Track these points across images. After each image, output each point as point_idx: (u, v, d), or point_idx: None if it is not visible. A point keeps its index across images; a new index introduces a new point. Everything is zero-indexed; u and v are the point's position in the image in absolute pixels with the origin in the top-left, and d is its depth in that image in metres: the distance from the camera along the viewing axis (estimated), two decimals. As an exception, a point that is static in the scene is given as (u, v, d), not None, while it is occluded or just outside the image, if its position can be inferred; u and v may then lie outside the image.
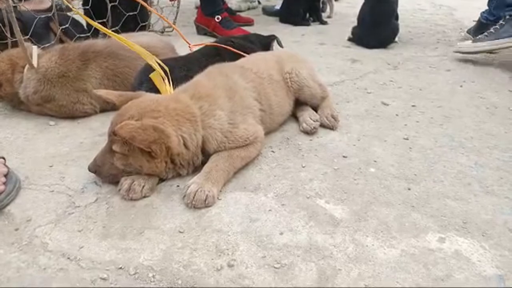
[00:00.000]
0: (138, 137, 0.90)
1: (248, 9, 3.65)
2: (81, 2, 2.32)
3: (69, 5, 1.64)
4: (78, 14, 1.52)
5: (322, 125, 1.43)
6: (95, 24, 1.41)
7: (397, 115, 1.56)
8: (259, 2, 3.88)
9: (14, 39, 1.58)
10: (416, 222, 0.97)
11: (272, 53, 1.60)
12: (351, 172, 1.18)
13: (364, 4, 2.49)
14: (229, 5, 3.14)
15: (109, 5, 1.99)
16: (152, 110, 0.98)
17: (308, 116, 1.41)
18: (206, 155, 1.12)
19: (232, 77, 1.24)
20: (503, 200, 1.06)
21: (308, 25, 3.12)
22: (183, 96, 1.08)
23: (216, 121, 1.09)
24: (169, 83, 1.25)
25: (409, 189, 1.10)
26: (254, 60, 1.44)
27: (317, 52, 2.40)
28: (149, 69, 1.26)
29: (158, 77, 1.21)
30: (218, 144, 1.10)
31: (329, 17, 3.37)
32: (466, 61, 2.23)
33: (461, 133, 1.42)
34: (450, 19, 3.39)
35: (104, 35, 2.14)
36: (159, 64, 1.27)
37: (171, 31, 2.69)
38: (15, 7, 2.62)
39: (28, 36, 1.71)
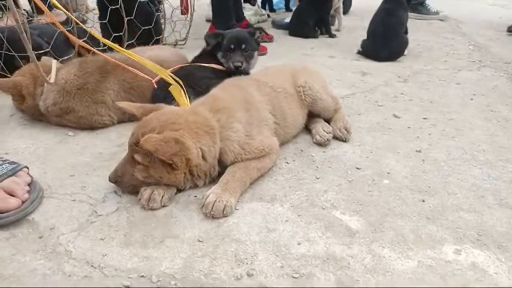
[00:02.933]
0: (161, 150, 0.93)
1: (258, 22, 3.71)
2: (97, 15, 2.39)
3: (83, 26, 1.69)
4: (90, 32, 1.57)
5: (335, 137, 1.45)
6: (105, 41, 1.46)
7: (409, 127, 1.58)
8: (268, 16, 3.95)
9: (36, 53, 1.63)
10: (432, 234, 0.98)
11: (287, 65, 1.63)
12: (365, 184, 1.19)
13: (374, 18, 2.53)
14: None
15: (125, 19, 2.04)
16: (172, 122, 1.01)
17: (321, 128, 1.43)
18: (223, 166, 1.15)
19: (248, 90, 1.27)
20: (518, 213, 1.07)
21: (317, 37, 3.16)
22: (201, 109, 1.11)
23: (233, 134, 1.11)
24: (186, 95, 1.29)
25: (423, 201, 1.11)
26: (270, 73, 1.48)
27: (327, 65, 2.43)
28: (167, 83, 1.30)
29: (177, 90, 1.24)
30: (235, 155, 1.12)
31: (337, 30, 3.41)
32: (476, 74, 2.25)
33: (474, 146, 1.43)
34: (458, 33, 3.42)
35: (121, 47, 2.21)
36: (173, 78, 1.32)
37: (184, 43, 2.75)
38: (30, 20, 2.70)
39: (48, 49, 1.77)
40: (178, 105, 1.26)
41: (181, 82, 1.31)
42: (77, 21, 1.58)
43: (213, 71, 1.57)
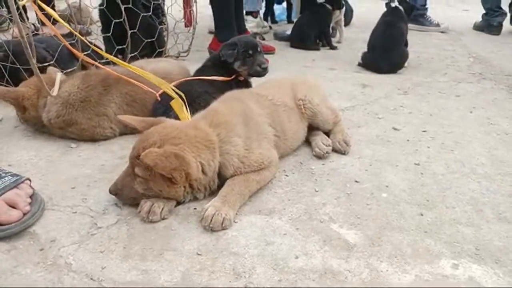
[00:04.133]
0: (161, 164, 0.95)
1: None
2: (100, 28, 2.42)
3: (83, 39, 1.72)
4: (92, 47, 1.60)
5: (334, 150, 1.46)
6: (107, 55, 1.49)
7: (408, 140, 1.59)
8: (270, 27, 3.99)
9: (40, 65, 1.67)
10: (430, 248, 0.98)
11: (287, 78, 1.65)
12: (363, 197, 1.20)
13: (374, 31, 2.56)
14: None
15: (129, 32, 2.08)
16: (173, 137, 1.03)
17: (320, 141, 1.45)
18: (222, 179, 1.16)
19: (248, 103, 1.29)
20: (516, 227, 1.07)
21: (318, 49, 3.20)
22: (202, 123, 1.12)
23: (233, 148, 1.13)
24: (187, 109, 1.31)
25: (421, 214, 1.12)
26: (270, 86, 1.50)
27: (328, 77, 2.45)
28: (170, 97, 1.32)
29: (178, 104, 1.26)
30: (234, 169, 1.14)
31: (338, 42, 3.45)
32: (476, 87, 2.26)
33: (472, 159, 1.43)
34: (459, 44, 3.44)
35: (124, 60, 2.24)
36: (175, 91, 1.34)
37: (186, 55, 2.78)
38: (36, 34, 2.75)
39: (52, 61, 1.80)
40: (178, 118, 1.28)
41: (183, 96, 1.33)
42: (77, 34, 1.60)
43: (214, 85, 1.59)
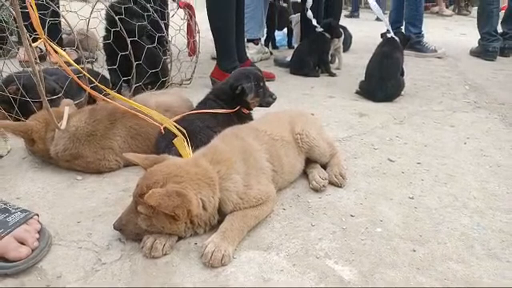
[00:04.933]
0: (164, 204, 1.00)
1: (261, 60, 3.86)
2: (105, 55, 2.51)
3: (88, 75, 1.79)
4: (99, 85, 1.68)
5: (331, 183, 1.51)
6: (111, 92, 1.56)
7: (403, 172, 1.64)
8: (271, 53, 4.10)
9: (50, 97, 1.74)
10: (421, 285, 1.02)
11: (285, 112, 1.71)
12: (358, 232, 1.24)
13: (371, 60, 2.64)
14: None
15: (134, 64, 2.16)
16: (175, 175, 1.08)
17: (317, 174, 1.50)
18: (222, 214, 1.21)
19: (247, 140, 1.35)
20: (505, 264, 1.11)
21: (318, 76, 3.28)
22: (202, 160, 1.18)
23: (232, 184, 1.18)
24: (188, 145, 1.36)
25: (414, 250, 1.16)
26: (268, 121, 1.56)
27: (326, 105, 2.52)
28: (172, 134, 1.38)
29: (180, 141, 1.32)
30: (234, 205, 1.19)
31: (337, 68, 3.54)
32: (470, 116, 2.32)
33: (465, 192, 1.48)
34: (455, 71, 3.53)
35: (129, 89, 2.32)
36: (177, 127, 1.40)
37: (189, 83, 2.87)
38: (41, 57, 2.83)
39: (61, 94, 1.87)
40: (180, 154, 1.33)
41: (184, 132, 1.39)
42: (85, 73, 1.67)
43: (216, 118, 1.66)
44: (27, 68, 2.22)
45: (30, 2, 1.49)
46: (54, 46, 1.41)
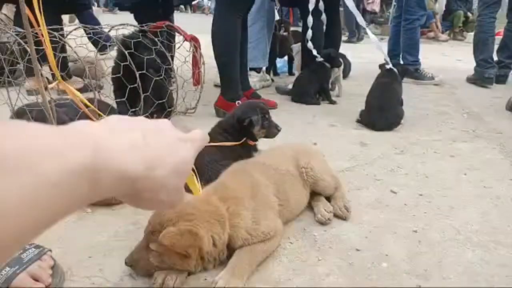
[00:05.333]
0: (177, 244, 1.03)
1: (263, 87, 3.94)
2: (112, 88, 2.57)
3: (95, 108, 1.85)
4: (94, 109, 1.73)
5: (336, 216, 1.55)
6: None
7: (405, 204, 1.67)
8: (272, 80, 4.20)
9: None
10: (427, 323, 1.04)
11: (289, 146, 1.76)
12: (364, 267, 1.27)
13: (371, 91, 2.72)
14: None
15: (142, 96, 2.23)
16: (187, 213, 1.12)
17: (322, 208, 1.53)
18: (230, 249, 1.24)
19: (255, 175, 1.39)
20: (509, 300, 1.13)
21: (319, 104, 3.36)
22: (213, 198, 1.22)
23: (241, 221, 1.21)
24: (197, 180, 1.40)
25: (419, 286, 1.18)
26: (274, 155, 1.61)
27: (328, 134, 2.58)
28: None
29: (190, 177, 1.36)
30: (242, 241, 1.22)
31: (337, 96, 3.62)
32: (469, 146, 2.37)
33: (467, 225, 1.51)
34: (453, 99, 3.61)
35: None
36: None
37: (193, 112, 2.93)
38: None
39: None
40: (189, 189, 1.37)
41: (194, 168, 1.43)
42: (95, 109, 1.73)
43: (222, 151, 1.70)
44: (36, 95, 2.28)
45: (44, 41, 1.57)
46: (71, 87, 1.47)
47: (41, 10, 1.36)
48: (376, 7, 10.89)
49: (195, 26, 5.72)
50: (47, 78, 3.05)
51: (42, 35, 1.55)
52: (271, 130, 1.88)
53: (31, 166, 0.32)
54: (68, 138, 0.38)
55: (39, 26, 1.50)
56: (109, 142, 0.41)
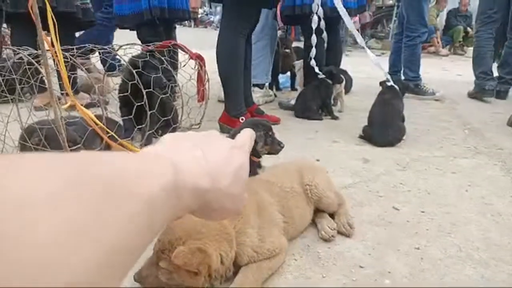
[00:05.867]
0: (189, 262, 1.07)
1: (266, 102, 4.01)
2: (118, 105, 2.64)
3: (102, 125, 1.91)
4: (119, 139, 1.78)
5: (339, 232, 1.58)
6: (124, 143, 1.66)
7: (408, 221, 1.70)
8: (275, 95, 4.26)
9: (71, 148, 1.84)
10: None
11: (294, 164, 1.80)
12: (367, 284, 1.29)
13: (373, 108, 2.77)
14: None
15: (148, 113, 2.28)
16: (196, 232, 1.15)
17: (326, 225, 1.56)
18: (236, 266, 1.27)
19: (260, 193, 1.43)
20: (510, 318, 1.15)
21: (321, 119, 3.41)
22: (220, 216, 1.25)
23: (247, 239, 1.25)
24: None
25: (422, 303, 1.21)
26: (278, 172, 1.65)
27: (331, 150, 2.62)
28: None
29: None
30: (248, 258, 1.25)
31: (340, 111, 3.68)
32: (471, 162, 2.41)
33: (468, 242, 1.54)
34: (454, 115, 3.66)
35: (142, 136, 2.43)
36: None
37: (198, 127, 2.98)
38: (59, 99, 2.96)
39: (81, 144, 1.98)
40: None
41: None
42: (105, 127, 1.78)
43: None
44: (44, 110, 2.34)
45: (58, 61, 1.63)
46: (84, 109, 1.52)
47: (57, 35, 1.42)
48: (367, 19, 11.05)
49: (198, 40, 5.82)
50: (58, 97, 3.13)
51: (55, 54, 1.61)
52: (274, 147, 1.90)
53: (132, 192, 0.35)
54: (149, 163, 0.41)
55: (53, 46, 1.57)
56: (180, 162, 0.45)
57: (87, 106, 3.23)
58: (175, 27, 4.03)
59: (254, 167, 1.91)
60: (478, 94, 4.28)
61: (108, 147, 2.11)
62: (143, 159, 0.42)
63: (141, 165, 0.40)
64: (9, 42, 3.92)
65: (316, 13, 3.22)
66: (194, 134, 0.56)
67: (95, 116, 2.39)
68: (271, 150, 1.91)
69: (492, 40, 4.25)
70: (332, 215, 1.65)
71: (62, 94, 3.19)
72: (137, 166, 0.39)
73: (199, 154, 0.49)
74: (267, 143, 1.87)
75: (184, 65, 2.85)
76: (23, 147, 1.94)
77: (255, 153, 1.88)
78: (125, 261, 0.34)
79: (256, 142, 1.81)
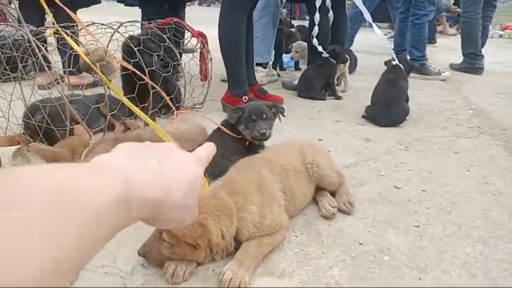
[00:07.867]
0: (188, 234, 1.09)
1: (269, 82, 3.98)
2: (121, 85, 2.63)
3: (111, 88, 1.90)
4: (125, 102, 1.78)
5: (340, 210, 1.59)
6: (135, 109, 1.66)
7: (408, 200, 1.71)
8: (279, 75, 4.23)
9: (72, 126, 1.85)
10: (426, 314, 1.09)
11: (295, 142, 1.80)
12: (366, 260, 1.31)
13: (376, 87, 2.74)
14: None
15: (151, 92, 2.27)
16: (196, 207, 1.17)
17: (326, 203, 1.58)
18: (238, 242, 1.29)
19: (261, 171, 1.44)
20: (507, 293, 1.17)
21: (325, 99, 3.39)
22: (221, 192, 1.27)
23: (248, 215, 1.27)
24: (205, 176, 1.45)
25: (420, 279, 1.23)
26: (280, 151, 1.65)
27: (334, 130, 2.61)
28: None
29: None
30: (249, 234, 1.27)
31: (343, 91, 3.65)
32: (473, 142, 2.40)
33: (468, 221, 1.55)
34: (459, 95, 3.62)
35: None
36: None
37: (201, 107, 2.97)
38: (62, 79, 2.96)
39: (83, 122, 1.98)
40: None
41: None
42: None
43: (229, 147, 1.74)
44: (47, 89, 2.33)
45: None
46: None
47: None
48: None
49: (202, 19, 5.73)
50: (60, 75, 3.12)
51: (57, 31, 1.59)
52: (254, 133, 1.76)
53: (79, 205, 0.37)
54: (100, 176, 0.43)
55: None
56: (132, 174, 0.46)
57: (90, 85, 3.23)
58: (184, 6, 3.96)
59: (256, 147, 1.87)
60: (470, 70, 4.59)
61: (110, 124, 2.12)
62: (94, 172, 0.43)
63: (91, 178, 0.41)
64: (10, 20, 3.89)
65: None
66: (155, 146, 0.57)
67: (98, 95, 2.39)
68: (251, 135, 1.79)
69: (480, 21, 4.37)
70: (333, 193, 1.67)
71: (64, 72, 3.18)
72: (87, 178, 0.40)
73: (154, 165, 0.50)
74: (247, 127, 1.79)
75: (187, 43, 2.82)
76: (27, 125, 1.95)
77: (240, 134, 1.81)
78: (71, 268, 0.35)
79: (238, 124, 1.77)
